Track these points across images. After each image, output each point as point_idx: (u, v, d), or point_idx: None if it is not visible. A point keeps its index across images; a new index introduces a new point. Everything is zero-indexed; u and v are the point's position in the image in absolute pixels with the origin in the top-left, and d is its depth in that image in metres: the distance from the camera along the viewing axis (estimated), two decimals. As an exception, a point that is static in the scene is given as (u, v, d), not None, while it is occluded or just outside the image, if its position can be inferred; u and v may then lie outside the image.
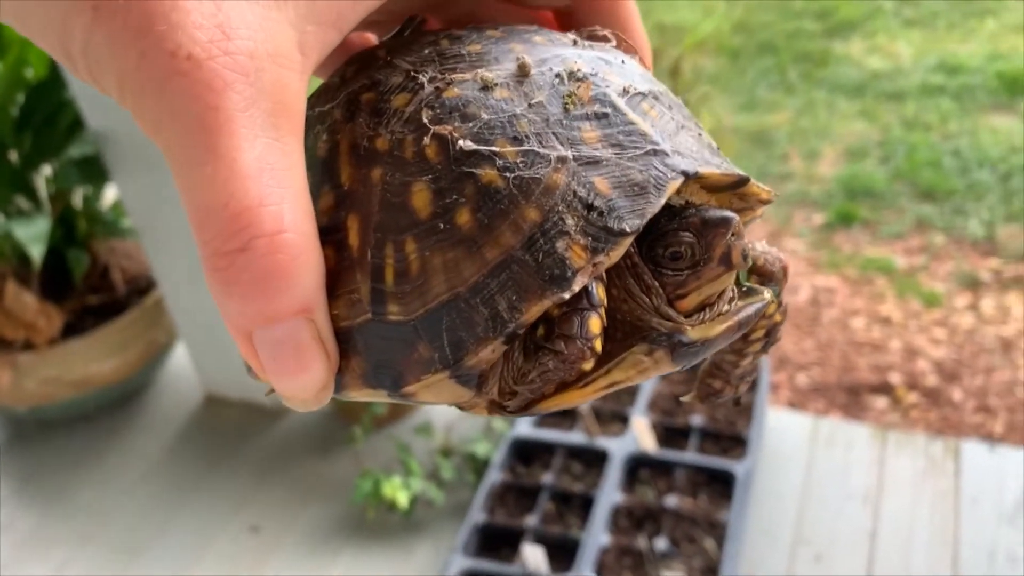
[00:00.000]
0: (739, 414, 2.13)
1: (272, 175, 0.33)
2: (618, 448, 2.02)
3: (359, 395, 0.39)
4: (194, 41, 0.32)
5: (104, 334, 2.33)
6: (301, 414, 2.37)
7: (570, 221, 0.35)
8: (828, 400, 2.60)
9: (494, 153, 0.36)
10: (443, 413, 2.30)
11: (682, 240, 0.37)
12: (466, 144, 0.36)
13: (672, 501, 1.90)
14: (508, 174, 0.36)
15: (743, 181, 0.40)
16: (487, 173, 0.36)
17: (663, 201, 0.36)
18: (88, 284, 2.44)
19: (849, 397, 2.61)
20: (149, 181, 2.13)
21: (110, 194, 2.48)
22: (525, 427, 2.12)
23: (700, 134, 0.41)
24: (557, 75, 0.38)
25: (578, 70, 0.39)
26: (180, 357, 2.60)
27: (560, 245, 0.35)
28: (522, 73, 0.38)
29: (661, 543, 1.81)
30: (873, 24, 4.65)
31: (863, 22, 4.68)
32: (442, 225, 0.36)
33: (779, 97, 4.16)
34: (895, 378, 2.65)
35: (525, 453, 2.12)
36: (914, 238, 3.25)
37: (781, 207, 3.47)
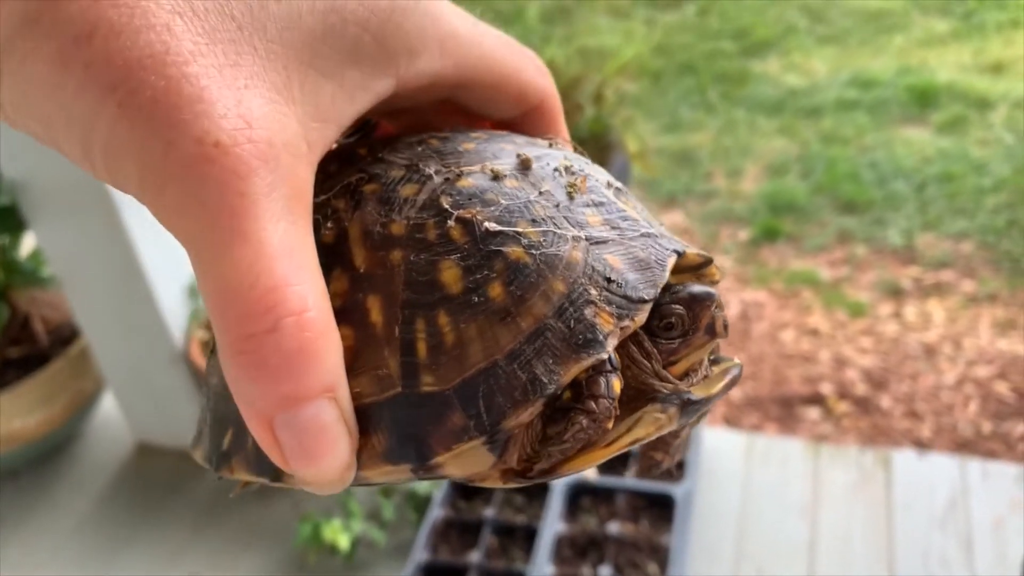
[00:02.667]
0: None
1: (293, 256, 0.34)
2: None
3: (376, 474, 0.39)
4: (220, 129, 0.33)
5: (28, 387, 2.25)
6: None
7: (593, 292, 0.39)
8: (762, 413, 2.65)
9: (518, 233, 0.39)
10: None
11: (674, 312, 0.42)
12: (491, 225, 0.39)
13: (614, 528, 1.91)
14: (534, 251, 0.39)
15: (709, 262, 0.45)
16: (514, 250, 0.39)
17: (667, 275, 0.41)
18: (8, 336, 2.36)
19: (783, 409, 2.66)
20: (69, 228, 2.08)
21: (28, 243, 2.41)
22: (465, 460, 2.10)
23: (661, 223, 0.46)
24: (555, 169, 0.43)
25: (571, 165, 0.43)
26: (108, 406, 2.52)
27: (588, 312, 0.38)
28: (524, 167, 0.42)
29: (605, 571, 1.82)
30: (788, 42, 4.78)
31: (778, 41, 4.81)
32: (476, 298, 0.38)
33: (701, 117, 4.24)
34: (826, 388, 2.71)
35: (466, 488, 2.10)
36: (837, 250, 3.34)
37: (707, 224, 3.53)
